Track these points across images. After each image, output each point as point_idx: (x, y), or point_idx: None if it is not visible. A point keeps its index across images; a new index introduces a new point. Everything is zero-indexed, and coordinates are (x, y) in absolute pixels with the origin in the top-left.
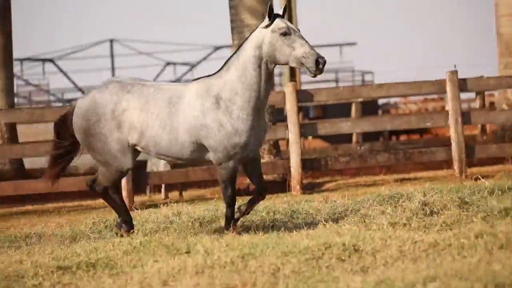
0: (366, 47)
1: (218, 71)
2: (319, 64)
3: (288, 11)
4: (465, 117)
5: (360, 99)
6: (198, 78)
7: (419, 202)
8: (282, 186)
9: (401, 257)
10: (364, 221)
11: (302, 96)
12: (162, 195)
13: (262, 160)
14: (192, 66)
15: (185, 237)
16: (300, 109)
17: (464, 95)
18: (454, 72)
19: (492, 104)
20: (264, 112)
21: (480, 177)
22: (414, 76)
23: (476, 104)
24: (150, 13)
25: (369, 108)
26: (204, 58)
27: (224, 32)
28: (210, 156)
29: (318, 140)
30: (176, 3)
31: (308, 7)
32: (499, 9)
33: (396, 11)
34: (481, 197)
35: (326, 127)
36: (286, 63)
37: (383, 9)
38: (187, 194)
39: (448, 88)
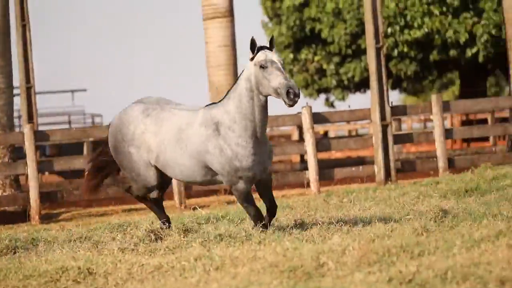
0: (96, 93)
1: (221, 100)
2: (290, 95)
3: (25, 60)
4: None
5: (91, 139)
6: (209, 104)
7: (145, 230)
8: (22, 216)
9: (130, 279)
10: (97, 247)
11: (40, 136)
12: None
13: (4, 193)
14: None
15: None
16: (37, 147)
17: None
18: None
19: None
20: (266, 138)
21: (197, 207)
22: None
23: None
24: None
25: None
26: None
27: None
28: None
29: (55, 175)
30: None
31: (44, 55)
32: (209, 61)
33: (121, 62)
34: (199, 225)
35: (61, 163)
36: (269, 95)
37: (111, 59)
38: None
39: None
